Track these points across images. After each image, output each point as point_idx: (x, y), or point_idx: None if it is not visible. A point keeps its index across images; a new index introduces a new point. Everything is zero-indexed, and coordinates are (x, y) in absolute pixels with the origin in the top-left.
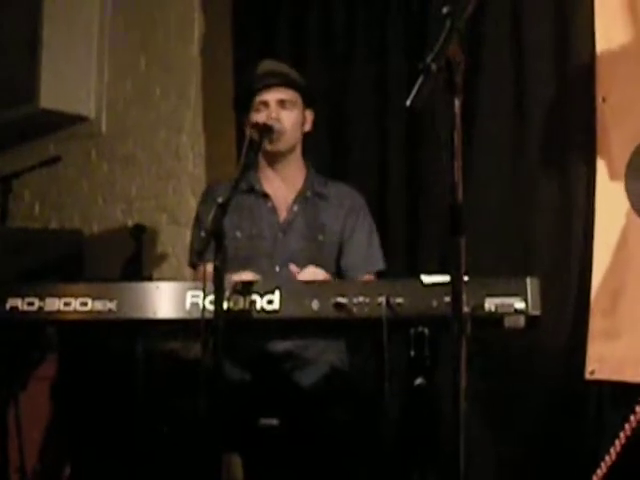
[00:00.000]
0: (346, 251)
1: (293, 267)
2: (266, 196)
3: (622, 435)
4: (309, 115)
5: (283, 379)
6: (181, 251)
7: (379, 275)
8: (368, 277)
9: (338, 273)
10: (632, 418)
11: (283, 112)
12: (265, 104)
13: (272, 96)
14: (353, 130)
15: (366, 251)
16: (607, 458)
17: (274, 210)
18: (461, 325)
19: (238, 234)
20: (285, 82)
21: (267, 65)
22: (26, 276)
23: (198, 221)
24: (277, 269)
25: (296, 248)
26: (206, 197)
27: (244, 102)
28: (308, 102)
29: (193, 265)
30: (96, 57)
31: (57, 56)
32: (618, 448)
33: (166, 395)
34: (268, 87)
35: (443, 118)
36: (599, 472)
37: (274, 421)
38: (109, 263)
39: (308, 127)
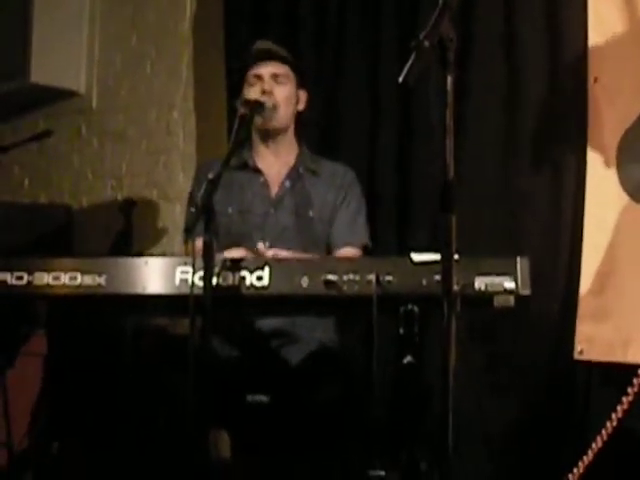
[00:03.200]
0: (332, 224)
1: (260, 245)
2: (258, 171)
3: (614, 417)
4: (302, 95)
5: (272, 356)
6: (171, 227)
7: (365, 251)
8: (351, 250)
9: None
10: (624, 399)
11: (277, 86)
12: (259, 77)
13: (266, 70)
14: (344, 107)
15: (350, 224)
16: (598, 438)
17: (266, 185)
18: (451, 304)
19: (230, 210)
20: (279, 57)
21: (261, 44)
22: (15, 250)
23: (191, 198)
24: (267, 244)
25: (286, 223)
26: (198, 174)
27: (238, 79)
28: (301, 82)
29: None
30: (87, 32)
31: (48, 31)
32: (610, 429)
33: (154, 371)
34: (262, 61)
35: (435, 95)
36: (590, 453)
37: (262, 398)
38: (98, 238)
39: (301, 107)
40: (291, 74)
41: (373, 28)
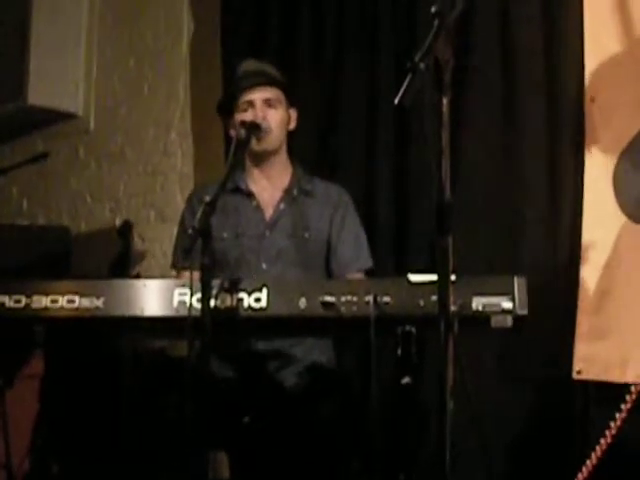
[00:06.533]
0: (334, 250)
1: None
2: (251, 195)
3: (608, 433)
4: (293, 114)
5: (270, 377)
6: (169, 249)
7: (368, 273)
8: (357, 275)
9: (327, 271)
10: (618, 416)
11: (269, 111)
12: (251, 104)
13: (258, 95)
14: (341, 128)
15: (354, 249)
16: (593, 455)
17: (259, 208)
18: (448, 324)
19: (225, 234)
20: (270, 81)
21: (250, 65)
22: (13, 273)
23: (182, 224)
24: (264, 266)
25: (282, 245)
26: (191, 199)
27: (229, 103)
28: (291, 101)
29: (174, 266)
30: (84, 54)
31: (45, 52)
32: (604, 446)
33: (153, 392)
34: (253, 87)
35: (431, 117)
36: (584, 470)
37: (260, 419)
38: (96, 260)
39: (292, 126)
40: (282, 96)
41: (371, 50)
